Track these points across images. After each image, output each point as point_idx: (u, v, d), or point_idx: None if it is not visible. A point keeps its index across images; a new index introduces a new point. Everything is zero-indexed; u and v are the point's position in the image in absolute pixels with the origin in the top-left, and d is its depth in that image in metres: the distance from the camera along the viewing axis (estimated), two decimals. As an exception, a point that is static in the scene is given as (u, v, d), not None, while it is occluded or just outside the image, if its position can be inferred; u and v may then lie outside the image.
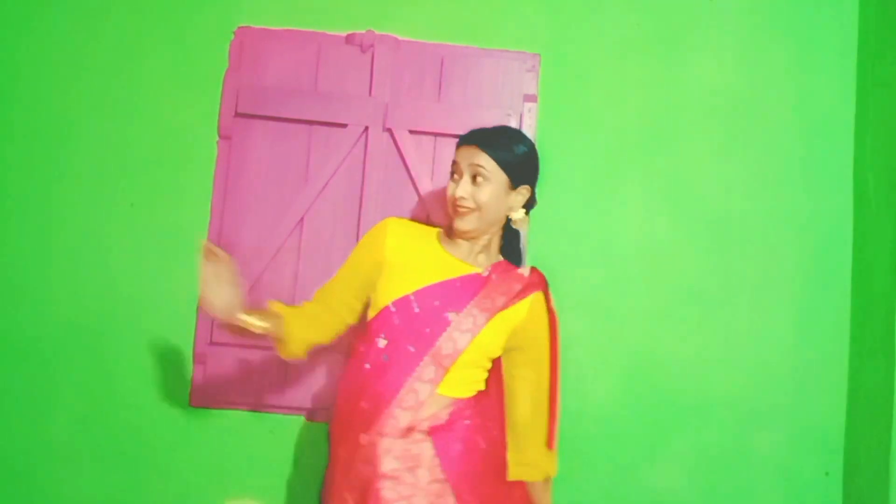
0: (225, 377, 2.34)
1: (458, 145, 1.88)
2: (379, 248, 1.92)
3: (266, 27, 2.41)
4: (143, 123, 2.40)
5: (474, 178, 1.83)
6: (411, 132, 2.38)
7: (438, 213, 2.33)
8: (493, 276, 1.88)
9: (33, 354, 2.35)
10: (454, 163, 1.87)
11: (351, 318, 1.98)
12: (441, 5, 2.44)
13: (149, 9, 2.42)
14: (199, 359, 2.35)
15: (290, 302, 2.12)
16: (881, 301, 2.26)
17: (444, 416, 1.84)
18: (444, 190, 2.00)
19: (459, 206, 1.84)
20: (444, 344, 1.82)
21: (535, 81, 2.43)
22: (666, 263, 2.42)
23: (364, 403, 1.83)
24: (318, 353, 2.29)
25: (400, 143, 2.38)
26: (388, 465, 1.79)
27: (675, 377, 2.39)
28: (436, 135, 2.39)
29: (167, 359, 2.35)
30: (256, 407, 2.35)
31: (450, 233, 1.93)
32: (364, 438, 1.82)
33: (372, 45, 2.41)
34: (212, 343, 2.34)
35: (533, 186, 1.91)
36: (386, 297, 1.87)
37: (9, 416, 2.35)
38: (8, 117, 2.39)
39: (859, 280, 2.39)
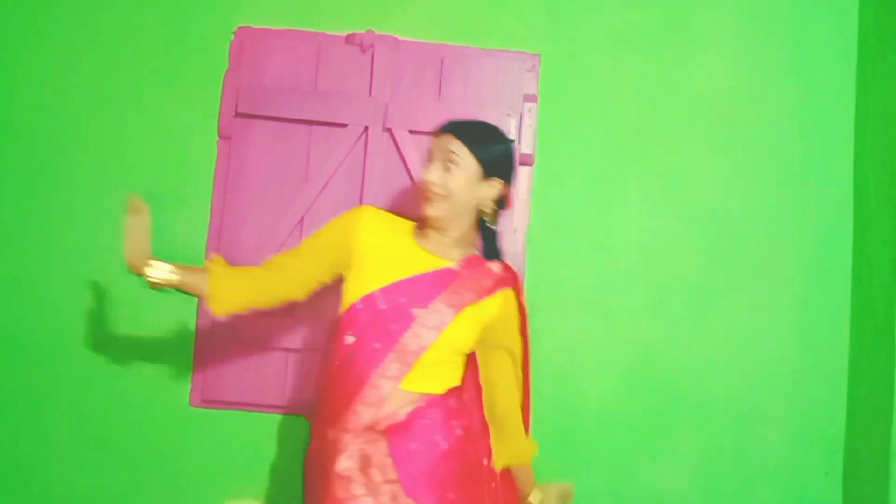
0: (225, 377, 2.34)
1: (435, 134, 1.89)
2: (351, 235, 1.90)
3: (266, 27, 2.41)
4: (143, 123, 2.40)
5: (447, 165, 1.83)
6: (411, 132, 2.38)
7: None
8: (464, 271, 1.88)
9: (33, 354, 2.35)
10: (428, 151, 1.88)
11: (300, 292, 1.94)
12: (441, 5, 2.44)
13: (149, 9, 2.42)
14: (199, 359, 2.35)
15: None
16: (881, 301, 2.26)
17: (402, 415, 1.83)
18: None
19: (429, 191, 1.84)
20: (409, 340, 1.82)
21: (535, 81, 2.43)
22: (666, 263, 2.42)
23: (332, 399, 1.86)
24: (318, 353, 2.31)
25: (400, 143, 2.38)
26: (342, 463, 1.79)
27: (674, 376, 2.40)
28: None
29: (167, 359, 2.35)
30: (256, 407, 2.35)
31: (423, 225, 1.92)
32: (330, 433, 1.84)
33: (372, 45, 2.41)
34: (212, 343, 2.34)
35: (507, 182, 1.90)
36: (354, 293, 1.87)
37: (9, 416, 2.35)
38: (8, 117, 2.40)
39: (859, 279, 2.39)
